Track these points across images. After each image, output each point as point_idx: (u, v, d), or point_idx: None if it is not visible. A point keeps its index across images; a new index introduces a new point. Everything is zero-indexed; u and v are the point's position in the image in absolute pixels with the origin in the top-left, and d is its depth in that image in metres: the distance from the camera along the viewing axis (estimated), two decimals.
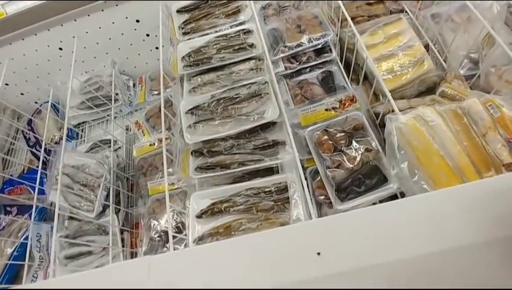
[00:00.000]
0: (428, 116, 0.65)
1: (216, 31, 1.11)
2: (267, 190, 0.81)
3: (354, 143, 0.83)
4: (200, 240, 0.75)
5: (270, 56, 0.95)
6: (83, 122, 1.45)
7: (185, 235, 0.79)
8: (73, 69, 1.06)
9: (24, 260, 1.04)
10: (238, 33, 1.06)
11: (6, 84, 1.39)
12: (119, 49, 1.35)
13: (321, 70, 1.10)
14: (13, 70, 1.33)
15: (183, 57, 1.06)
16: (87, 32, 1.24)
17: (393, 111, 0.85)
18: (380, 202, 0.77)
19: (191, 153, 0.91)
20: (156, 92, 1.39)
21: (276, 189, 0.80)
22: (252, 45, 1.02)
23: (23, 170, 1.40)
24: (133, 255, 1.08)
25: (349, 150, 0.82)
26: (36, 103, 1.52)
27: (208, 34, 1.11)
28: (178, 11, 1.17)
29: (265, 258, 0.43)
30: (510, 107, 0.66)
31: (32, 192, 1.27)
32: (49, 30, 1.20)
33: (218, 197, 0.84)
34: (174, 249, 0.80)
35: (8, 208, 1.25)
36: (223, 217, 0.80)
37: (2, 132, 1.43)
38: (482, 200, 0.46)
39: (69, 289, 0.46)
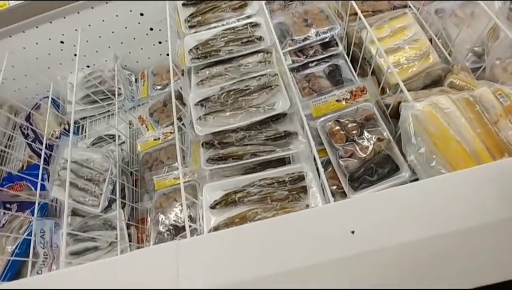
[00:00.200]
0: (443, 103, 0.66)
1: (223, 25, 1.11)
2: (280, 180, 0.81)
3: (365, 133, 0.84)
4: (215, 230, 0.75)
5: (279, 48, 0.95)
6: (83, 118, 1.43)
7: (200, 225, 0.78)
8: (78, 62, 1.04)
9: (26, 258, 1.02)
10: (245, 26, 1.06)
11: (4, 79, 1.35)
12: (121, 43, 1.34)
13: (327, 64, 1.11)
14: (12, 64, 1.30)
15: (190, 49, 1.05)
16: (90, 26, 1.22)
17: (400, 103, 0.87)
18: None
19: (202, 144, 0.91)
20: (159, 87, 1.38)
21: (290, 179, 0.80)
22: (260, 38, 1.02)
23: (22, 166, 1.36)
24: None
25: (361, 140, 0.83)
26: (34, 98, 1.49)
27: (214, 27, 1.11)
28: (184, 5, 1.16)
29: (301, 238, 0.43)
30: None
31: (32, 188, 1.24)
32: (51, 22, 1.18)
33: (230, 188, 0.84)
34: None
35: (8, 205, 1.21)
36: (236, 207, 0.80)
37: None
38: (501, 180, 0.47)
39: (86, 278, 0.45)
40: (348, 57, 1.10)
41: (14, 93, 1.44)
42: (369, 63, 1.07)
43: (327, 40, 1.08)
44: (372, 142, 0.82)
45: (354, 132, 0.84)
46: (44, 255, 1.03)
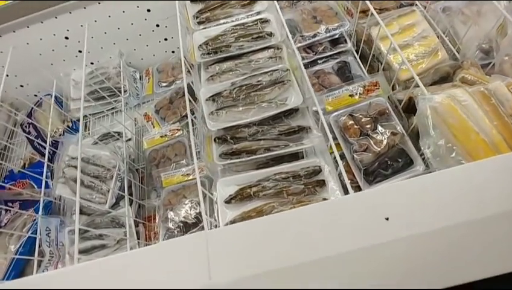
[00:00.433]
0: (460, 96, 0.67)
1: (232, 21, 1.10)
2: (296, 174, 0.81)
3: (379, 127, 0.84)
4: (232, 224, 0.74)
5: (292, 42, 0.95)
6: (86, 116, 1.40)
7: (215, 220, 0.78)
8: (84, 57, 1.03)
9: (30, 257, 0.99)
10: (255, 22, 1.06)
11: (6, 75, 1.33)
12: (127, 39, 1.32)
13: (336, 60, 1.12)
14: (14, 60, 1.27)
15: (200, 45, 1.05)
16: (95, 21, 1.20)
17: (410, 98, 0.88)
18: None
19: (214, 140, 0.90)
20: (164, 84, 1.37)
21: (305, 173, 0.80)
22: (270, 34, 1.02)
23: (24, 164, 1.33)
24: None
25: (375, 134, 0.83)
26: (36, 95, 1.46)
27: (223, 23, 1.11)
28: (192, 1, 1.16)
29: (335, 225, 0.43)
30: None
31: (35, 186, 1.22)
32: (56, 18, 1.16)
33: (244, 183, 0.83)
34: None
35: (10, 204, 1.18)
36: (251, 202, 0.79)
37: None
38: None
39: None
40: (357, 54, 1.10)
41: (16, 90, 1.41)
42: (379, 60, 1.08)
43: (336, 36, 1.08)
44: (386, 136, 0.82)
45: (368, 126, 0.84)
46: (50, 253, 1.00)
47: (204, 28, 1.11)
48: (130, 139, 1.24)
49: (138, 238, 1.02)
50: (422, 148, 0.79)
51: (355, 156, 0.81)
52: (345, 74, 1.07)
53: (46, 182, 1.10)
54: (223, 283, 0.42)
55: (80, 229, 1.04)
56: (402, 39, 1.04)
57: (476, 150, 0.60)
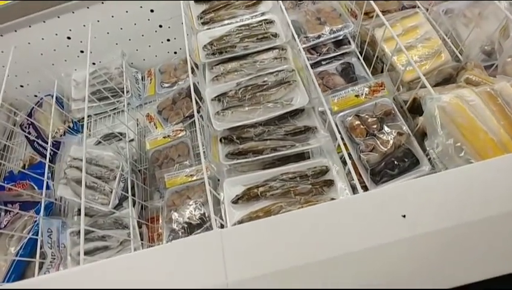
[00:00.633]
0: (468, 96, 0.67)
1: (236, 22, 1.11)
2: (303, 174, 0.80)
3: (385, 128, 0.84)
4: (240, 224, 0.73)
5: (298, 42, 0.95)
6: (88, 116, 1.39)
7: (222, 220, 0.77)
8: (88, 57, 1.02)
9: (31, 259, 0.98)
10: (260, 23, 1.06)
11: (4, 75, 1.31)
12: (129, 40, 1.32)
13: (340, 61, 1.13)
14: (15, 60, 1.25)
15: (204, 45, 1.05)
16: (98, 21, 1.20)
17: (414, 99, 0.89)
18: None
19: (220, 140, 0.90)
20: (167, 85, 1.36)
21: (312, 173, 0.80)
22: (275, 35, 1.02)
23: (24, 165, 1.31)
24: None
25: (381, 134, 0.83)
26: (36, 96, 1.45)
27: (227, 24, 1.11)
28: (196, 1, 1.16)
29: (353, 223, 0.42)
30: None
31: (35, 187, 1.20)
32: (59, 17, 1.15)
33: (251, 183, 0.83)
34: None
35: (10, 205, 1.17)
36: (258, 202, 0.79)
37: None
38: None
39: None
40: (361, 55, 1.11)
41: (15, 90, 1.39)
42: (382, 61, 1.08)
43: (340, 38, 1.09)
44: (392, 136, 0.82)
45: (374, 126, 0.84)
46: (52, 255, 0.99)
47: (209, 29, 1.10)
48: (132, 140, 1.23)
49: (142, 240, 1.01)
50: (428, 148, 0.80)
51: (361, 156, 0.81)
52: (349, 74, 1.08)
53: (46, 183, 1.09)
54: (240, 282, 0.41)
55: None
56: (405, 41, 1.05)
57: (485, 149, 0.61)
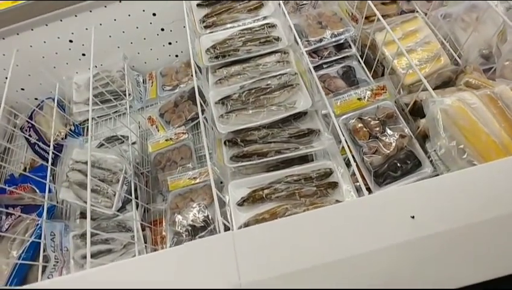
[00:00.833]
0: (469, 99, 0.69)
1: (238, 25, 1.12)
2: (307, 176, 0.81)
3: (387, 130, 0.86)
4: (246, 227, 0.74)
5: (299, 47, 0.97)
6: (93, 118, 1.39)
7: (228, 222, 0.77)
8: (92, 60, 1.03)
9: (33, 262, 0.98)
10: (262, 27, 1.08)
11: (6, 78, 1.31)
12: (131, 43, 1.32)
13: (341, 65, 1.14)
14: (16, 63, 1.25)
15: (207, 49, 1.06)
16: (101, 24, 1.20)
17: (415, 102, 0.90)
18: None
19: (224, 142, 0.90)
20: (168, 88, 1.37)
21: (316, 175, 0.81)
22: (277, 38, 1.04)
23: (25, 168, 1.31)
24: None
25: (384, 137, 0.85)
26: (36, 99, 1.44)
27: (229, 28, 1.12)
28: (198, 5, 1.17)
29: (362, 224, 0.43)
30: None
31: (37, 190, 1.20)
32: (61, 21, 1.15)
33: (255, 185, 0.84)
34: None
35: (11, 209, 1.16)
36: (264, 204, 0.80)
37: None
38: None
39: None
40: (362, 59, 1.13)
41: (16, 93, 1.39)
42: (382, 65, 1.10)
43: (341, 41, 1.10)
44: (394, 138, 0.84)
45: (377, 129, 0.85)
46: (55, 258, 0.98)
47: (211, 32, 1.12)
48: (134, 143, 1.23)
49: (145, 243, 1.01)
50: (430, 150, 0.82)
51: (365, 158, 0.82)
52: (350, 78, 1.09)
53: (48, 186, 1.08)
54: (253, 283, 0.42)
55: (84, 234, 1.03)
56: (405, 45, 1.06)
57: (488, 151, 0.62)
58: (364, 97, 0.90)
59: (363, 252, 0.42)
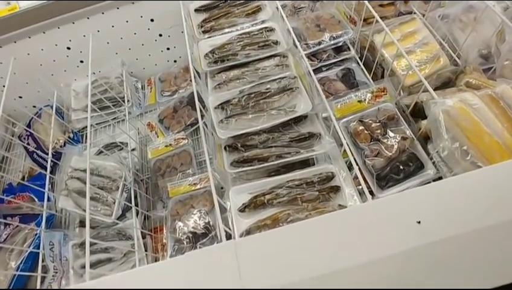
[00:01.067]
0: (471, 99, 0.68)
1: (236, 30, 1.11)
2: (309, 180, 0.80)
3: (389, 132, 0.85)
4: (248, 233, 0.73)
5: (298, 50, 0.96)
6: (92, 125, 1.38)
7: (229, 229, 0.76)
8: (90, 66, 1.02)
9: (32, 273, 0.96)
10: (261, 31, 1.07)
11: (4, 86, 1.30)
12: (129, 49, 1.32)
13: (340, 67, 1.14)
14: (14, 71, 1.24)
15: (206, 54, 1.05)
16: (98, 31, 1.20)
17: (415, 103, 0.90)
18: None
19: (225, 148, 0.89)
20: (167, 94, 1.36)
21: (318, 179, 0.80)
22: (276, 42, 1.03)
23: (23, 177, 1.29)
24: (156, 260, 1.02)
25: (385, 139, 0.84)
26: (35, 107, 1.43)
27: (228, 32, 1.11)
28: (196, 10, 1.17)
29: (368, 230, 0.42)
30: None
31: (36, 199, 1.18)
32: (59, 28, 1.15)
33: (256, 190, 0.83)
34: None
35: (9, 218, 1.15)
36: (265, 209, 0.79)
37: None
38: None
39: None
40: (361, 61, 1.12)
41: (14, 101, 1.38)
42: (381, 67, 1.10)
43: (340, 44, 1.10)
44: (396, 141, 0.83)
45: (378, 131, 0.85)
46: (54, 269, 0.97)
47: (210, 37, 1.11)
48: (134, 149, 1.22)
49: (146, 250, 1.00)
50: (432, 151, 0.81)
51: (367, 161, 0.82)
52: (349, 80, 1.09)
53: (47, 194, 1.07)
54: None
55: (83, 243, 1.01)
56: (404, 46, 1.06)
57: (491, 152, 0.62)
58: (365, 99, 0.89)
59: (370, 259, 0.41)
